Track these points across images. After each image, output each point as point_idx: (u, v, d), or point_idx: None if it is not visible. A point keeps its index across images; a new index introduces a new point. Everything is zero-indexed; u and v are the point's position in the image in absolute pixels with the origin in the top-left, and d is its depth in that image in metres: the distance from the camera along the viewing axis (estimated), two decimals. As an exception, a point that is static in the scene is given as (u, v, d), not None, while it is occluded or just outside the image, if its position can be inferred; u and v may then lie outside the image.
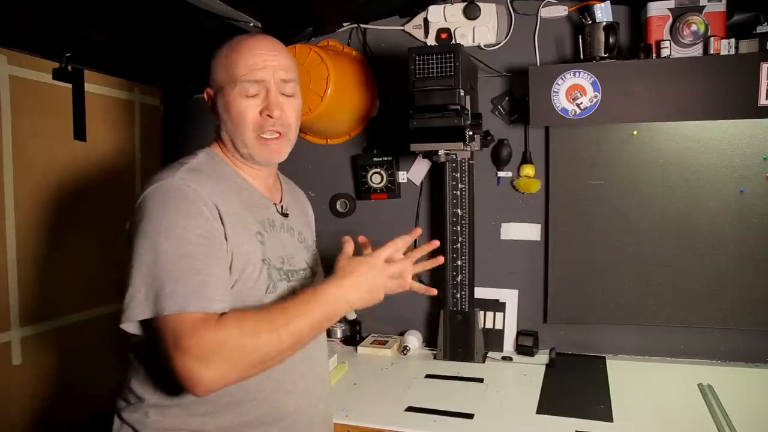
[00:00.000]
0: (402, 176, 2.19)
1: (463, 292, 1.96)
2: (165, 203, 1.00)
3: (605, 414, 1.50)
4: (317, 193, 2.25)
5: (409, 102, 1.75)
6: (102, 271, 1.97)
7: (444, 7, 2.00)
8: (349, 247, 1.15)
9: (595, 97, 1.71)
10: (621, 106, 1.70)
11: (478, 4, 1.97)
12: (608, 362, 1.90)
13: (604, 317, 1.96)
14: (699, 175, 1.85)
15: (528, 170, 2.01)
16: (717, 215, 1.84)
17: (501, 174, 2.07)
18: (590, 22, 1.78)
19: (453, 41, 2.00)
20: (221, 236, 1.02)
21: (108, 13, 1.60)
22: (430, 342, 2.14)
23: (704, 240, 1.86)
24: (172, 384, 0.96)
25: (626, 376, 1.78)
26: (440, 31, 2.02)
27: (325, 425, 1.27)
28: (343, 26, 2.17)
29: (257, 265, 1.07)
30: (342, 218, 2.26)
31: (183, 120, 2.36)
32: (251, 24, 1.81)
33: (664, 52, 1.68)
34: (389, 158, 2.15)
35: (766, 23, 1.64)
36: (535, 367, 1.88)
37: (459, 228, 1.95)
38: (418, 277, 2.14)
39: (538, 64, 1.97)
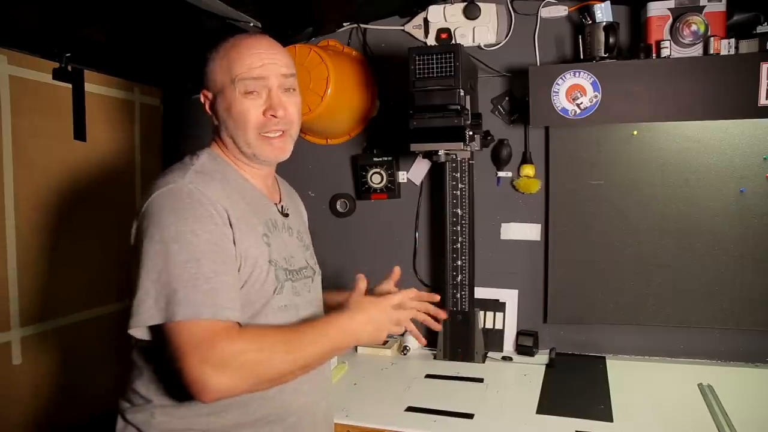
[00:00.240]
0: (402, 176, 2.19)
1: (463, 292, 1.96)
2: (175, 207, 1.00)
3: (605, 414, 1.50)
4: (317, 193, 2.25)
5: (409, 102, 1.75)
6: (102, 271, 1.97)
7: (444, 7, 2.00)
8: (362, 284, 1.18)
9: (595, 97, 1.71)
10: (621, 106, 1.70)
11: (478, 4, 1.97)
12: (608, 362, 1.90)
13: (604, 317, 1.96)
14: (699, 175, 1.85)
15: (528, 170, 2.01)
16: (717, 215, 1.84)
17: (501, 174, 2.07)
18: (590, 22, 1.78)
19: (453, 41, 2.00)
20: (230, 241, 1.02)
21: (108, 13, 1.59)
22: (430, 342, 2.13)
23: (704, 240, 1.86)
24: (179, 386, 0.96)
25: (626, 376, 1.78)
26: (440, 31, 2.02)
27: (327, 423, 1.28)
28: (343, 26, 2.17)
29: (264, 267, 1.08)
30: (342, 218, 2.26)
31: (183, 120, 2.36)
32: (251, 24, 1.81)
33: (664, 52, 1.68)
34: (389, 158, 2.15)
35: (766, 23, 1.64)
36: (535, 367, 1.88)
37: (459, 228, 1.95)
38: (415, 274, 2.17)
39: (538, 64, 1.97)
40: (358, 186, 2.22)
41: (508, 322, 2.06)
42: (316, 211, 2.32)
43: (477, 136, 1.85)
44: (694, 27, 1.66)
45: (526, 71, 1.79)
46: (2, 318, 1.67)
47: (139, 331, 0.99)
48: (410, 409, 1.57)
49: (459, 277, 1.96)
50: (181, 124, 2.36)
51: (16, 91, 1.67)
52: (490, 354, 2.00)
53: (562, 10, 1.93)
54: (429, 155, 1.90)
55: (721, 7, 1.67)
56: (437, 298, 1.32)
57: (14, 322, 1.71)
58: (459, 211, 1.95)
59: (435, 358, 2.00)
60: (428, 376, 1.83)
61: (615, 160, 1.92)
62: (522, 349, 2.00)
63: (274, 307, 1.10)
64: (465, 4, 1.98)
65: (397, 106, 2.05)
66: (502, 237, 2.10)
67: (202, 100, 1.18)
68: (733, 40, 1.64)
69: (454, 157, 1.93)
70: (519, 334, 2.03)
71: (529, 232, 2.07)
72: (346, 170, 2.25)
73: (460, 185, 1.94)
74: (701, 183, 1.85)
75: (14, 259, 1.70)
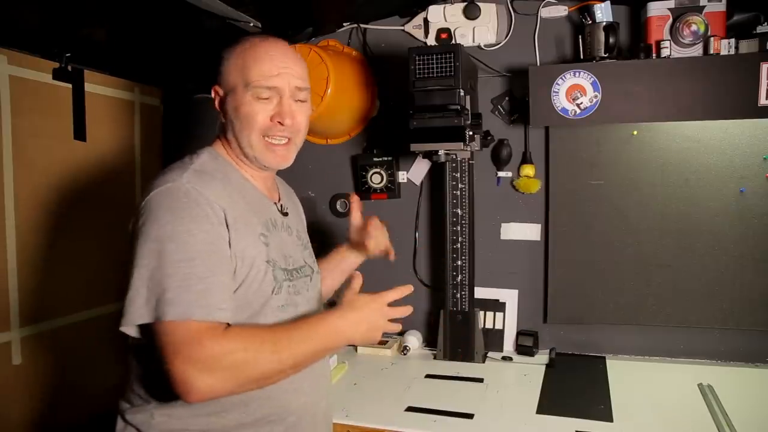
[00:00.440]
0: (402, 176, 2.19)
1: (463, 292, 1.96)
2: (171, 206, 1.00)
3: (605, 414, 1.50)
4: (317, 193, 2.25)
5: (409, 102, 1.75)
6: (102, 271, 1.97)
7: (444, 7, 2.00)
8: (356, 283, 1.15)
9: (595, 97, 1.71)
10: (621, 106, 1.70)
11: (478, 4, 1.97)
12: (608, 362, 1.90)
13: (604, 317, 1.96)
14: (699, 175, 1.85)
15: (528, 170, 2.01)
16: (717, 215, 1.84)
17: (501, 174, 2.07)
18: (590, 22, 1.78)
19: (453, 41, 2.00)
20: (225, 242, 1.02)
21: (108, 13, 1.60)
22: (430, 342, 2.14)
23: (704, 240, 1.86)
24: (168, 386, 0.96)
25: (626, 376, 1.78)
26: (440, 31, 2.02)
27: (326, 422, 1.28)
28: (343, 26, 2.17)
29: (262, 267, 1.07)
30: (342, 218, 2.26)
31: (183, 120, 2.36)
32: (251, 24, 1.81)
33: (664, 52, 1.68)
34: (389, 158, 2.15)
35: (766, 23, 1.64)
36: (535, 367, 1.88)
37: (459, 228, 1.95)
38: (415, 274, 2.17)
39: (538, 64, 1.97)
40: (358, 186, 2.22)
41: (508, 322, 2.06)
42: (316, 211, 2.32)
43: (477, 136, 1.85)
44: (694, 27, 1.66)
45: (526, 71, 1.79)
46: (2, 318, 1.67)
47: (131, 329, 0.99)
48: (410, 409, 1.57)
49: (459, 277, 1.96)
50: (181, 124, 2.36)
51: (16, 91, 1.67)
52: (490, 354, 2.00)
53: (562, 10, 1.93)
54: (429, 155, 1.90)
55: (721, 7, 1.67)
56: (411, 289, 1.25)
57: (14, 322, 1.71)
58: (459, 211, 1.95)
59: (435, 358, 2.00)
60: (428, 376, 1.83)
61: (615, 160, 1.92)
62: (522, 349, 2.00)
63: (273, 306, 1.10)
64: (465, 4, 1.98)
65: (397, 106, 2.05)
66: (502, 237, 2.10)
67: (212, 95, 1.17)
68: (733, 40, 1.64)
69: (454, 157, 1.93)
70: (519, 334, 2.03)
71: (529, 232, 2.07)
72: (346, 170, 2.25)
73: (460, 185, 1.94)
74: (701, 183, 1.85)
75: (14, 259, 1.70)
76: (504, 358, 1.97)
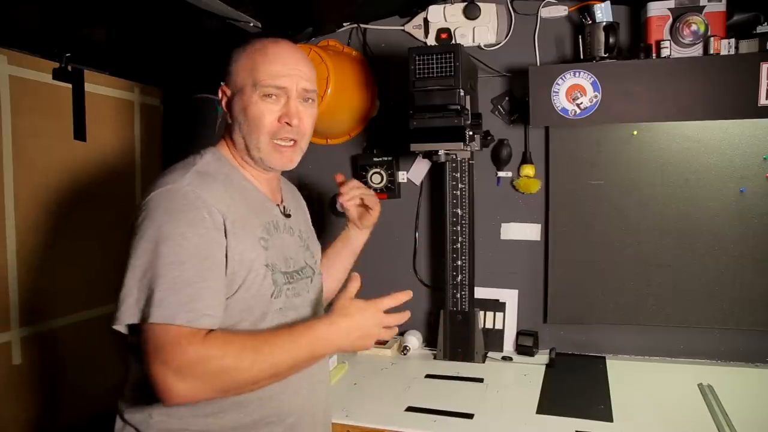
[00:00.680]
0: (402, 176, 2.19)
1: (463, 292, 1.96)
2: (169, 208, 1.00)
3: (605, 414, 1.50)
4: (317, 193, 2.25)
5: (409, 102, 1.75)
6: (102, 271, 1.97)
7: (444, 7, 2.00)
8: (353, 286, 1.11)
9: (595, 97, 1.71)
10: (621, 106, 1.70)
11: (478, 4, 1.97)
12: (608, 362, 1.90)
13: (604, 317, 1.96)
14: (699, 175, 1.85)
15: (528, 170, 2.01)
16: (717, 215, 1.84)
17: (501, 174, 2.07)
18: (590, 22, 1.78)
19: (453, 41, 2.00)
20: (221, 247, 1.02)
21: (108, 13, 1.59)
22: (430, 342, 2.14)
23: (704, 240, 1.86)
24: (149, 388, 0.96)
25: (626, 376, 1.78)
26: (440, 31, 2.02)
27: (326, 423, 1.28)
28: (343, 26, 2.17)
29: (260, 271, 1.07)
30: (342, 218, 2.26)
31: (183, 120, 2.35)
32: (251, 24, 1.81)
33: (664, 52, 1.68)
34: (389, 158, 2.15)
35: (766, 23, 1.64)
36: (535, 367, 1.88)
37: (459, 228, 1.95)
38: (415, 274, 2.17)
39: (538, 64, 1.97)
40: (358, 186, 2.21)
41: (508, 322, 2.06)
42: (316, 212, 2.31)
43: (477, 136, 1.85)
44: (694, 27, 1.66)
45: (526, 71, 1.79)
46: (2, 318, 1.67)
47: (123, 328, 0.99)
48: (410, 409, 1.57)
49: (459, 277, 1.96)
50: (181, 124, 2.36)
51: (16, 91, 1.67)
52: (490, 354, 2.00)
53: (562, 10, 1.93)
54: (429, 155, 1.90)
55: (721, 7, 1.67)
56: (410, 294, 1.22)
57: (14, 322, 1.71)
58: (459, 211, 1.95)
59: (435, 358, 2.00)
60: (428, 376, 1.83)
61: (615, 160, 1.92)
62: (522, 349, 2.00)
63: (274, 310, 1.10)
64: (465, 4, 1.98)
65: (397, 106, 2.05)
66: (502, 237, 2.10)
67: (219, 95, 1.18)
68: (733, 40, 1.64)
69: (454, 157, 1.93)
70: (519, 334, 2.03)
71: (529, 232, 2.07)
72: (346, 170, 2.25)
73: (460, 185, 1.94)
74: (701, 183, 1.85)
75: (14, 259, 1.70)
76: (504, 358, 1.97)
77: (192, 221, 0.99)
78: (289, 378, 1.08)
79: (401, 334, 2.15)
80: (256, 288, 1.06)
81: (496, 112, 2.06)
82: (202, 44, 1.86)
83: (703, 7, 1.67)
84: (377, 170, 2.17)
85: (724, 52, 1.64)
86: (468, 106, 1.78)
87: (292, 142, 1.14)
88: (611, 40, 1.72)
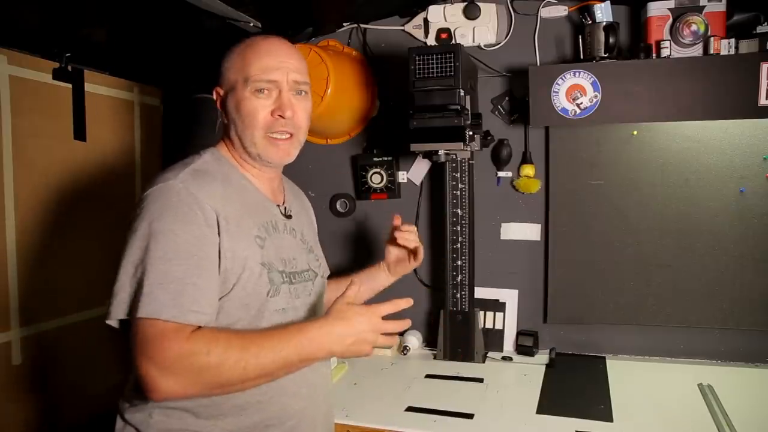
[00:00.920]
0: (402, 176, 2.19)
1: (463, 292, 1.96)
2: (162, 205, 1.00)
3: (605, 414, 1.50)
4: (317, 193, 2.25)
5: (409, 102, 1.75)
6: (102, 271, 1.96)
7: (444, 7, 2.00)
8: (351, 291, 1.09)
9: (595, 97, 1.71)
10: (621, 106, 1.70)
11: (478, 4, 1.97)
12: (608, 362, 1.90)
13: (604, 317, 1.96)
14: (699, 175, 1.85)
15: (528, 170, 2.01)
16: (717, 215, 1.84)
17: (501, 174, 2.07)
18: (590, 22, 1.78)
19: (453, 41, 2.00)
20: (213, 245, 1.02)
21: (108, 13, 1.59)
22: (430, 342, 2.14)
23: (704, 240, 1.86)
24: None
25: (626, 376, 1.78)
26: (440, 31, 2.02)
27: (327, 424, 1.27)
28: (343, 26, 2.17)
29: (256, 269, 1.07)
30: (342, 218, 2.26)
31: (183, 120, 2.35)
32: (251, 24, 1.81)
33: (664, 52, 1.68)
34: (389, 158, 2.15)
35: (766, 23, 1.64)
36: (535, 367, 1.88)
37: (459, 228, 1.95)
38: (415, 274, 2.17)
39: (538, 64, 1.97)
40: (358, 186, 2.22)
41: (508, 322, 2.06)
42: (316, 212, 2.31)
43: (477, 136, 1.85)
44: (694, 27, 1.66)
45: (526, 71, 1.79)
46: (2, 318, 1.67)
47: (115, 323, 0.99)
48: (410, 409, 1.57)
49: (459, 277, 1.96)
50: (181, 124, 2.36)
51: (16, 91, 1.67)
52: (490, 354, 2.00)
53: (562, 10, 1.93)
54: (429, 155, 1.90)
55: (721, 7, 1.66)
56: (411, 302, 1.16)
57: (14, 322, 1.71)
58: (459, 211, 1.95)
59: (435, 358, 2.00)
60: (428, 376, 1.83)
61: (615, 160, 1.92)
62: (522, 349, 2.00)
63: (271, 309, 1.09)
64: (465, 4, 1.98)
65: (397, 106, 2.05)
66: (502, 237, 2.10)
67: (214, 96, 1.18)
68: (733, 40, 1.64)
69: (454, 157, 1.93)
70: (519, 334, 2.03)
71: (529, 232, 2.07)
72: (346, 170, 2.25)
73: (460, 185, 1.94)
74: (701, 183, 1.85)
75: (14, 259, 1.70)
76: (504, 358, 1.97)
77: (183, 218, 1.00)
78: (288, 381, 1.08)
79: (401, 334, 2.15)
80: (251, 286, 1.06)
81: (496, 112, 2.06)
82: (202, 44, 1.85)
83: (703, 7, 1.67)
84: (377, 170, 2.17)
85: (724, 52, 1.64)
86: (468, 106, 1.78)
87: (288, 135, 1.14)
88: (611, 40, 1.72)
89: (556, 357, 1.91)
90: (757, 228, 1.81)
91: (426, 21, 2.05)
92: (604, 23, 1.74)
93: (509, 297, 2.08)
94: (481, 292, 2.05)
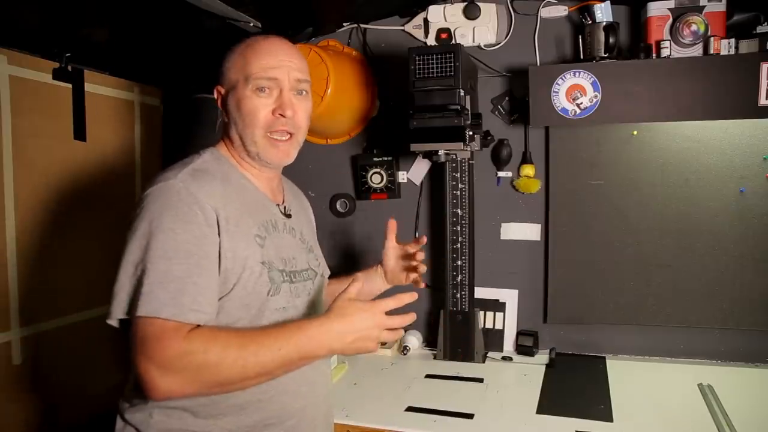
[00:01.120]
0: (402, 176, 2.19)
1: (463, 292, 1.96)
2: (161, 204, 1.00)
3: (605, 414, 1.50)
4: (317, 193, 2.25)
5: (409, 102, 1.75)
6: (102, 271, 1.95)
7: (444, 7, 2.00)
8: (354, 288, 1.06)
9: (595, 97, 1.71)
10: (621, 106, 1.70)
11: (478, 4, 1.97)
12: (608, 362, 1.90)
13: (604, 317, 1.96)
14: (699, 175, 1.85)
15: (528, 170, 2.01)
16: (717, 215, 1.84)
17: (501, 174, 2.07)
18: (590, 22, 1.78)
19: (453, 41, 2.00)
20: (212, 244, 1.02)
21: (108, 13, 1.60)
22: (430, 342, 2.14)
23: (704, 240, 1.86)
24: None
25: (626, 376, 1.78)
26: (440, 31, 2.02)
27: (327, 424, 1.28)
28: (343, 26, 2.17)
29: (256, 268, 1.07)
30: (342, 218, 2.26)
31: (183, 120, 2.36)
32: (251, 24, 1.81)
33: (664, 52, 1.68)
34: (389, 158, 2.15)
35: (766, 23, 1.64)
36: (535, 367, 1.88)
37: (459, 228, 1.95)
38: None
39: (538, 64, 1.97)
40: (358, 186, 2.22)
41: (508, 322, 2.06)
42: (316, 211, 2.31)
43: (477, 136, 1.85)
44: (694, 27, 1.66)
45: (526, 71, 1.79)
46: (2, 318, 1.67)
47: (116, 322, 0.99)
48: (410, 409, 1.57)
49: (459, 277, 1.96)
50: (181, 124, 2.36)
51: (16, 91, 1.67)
52: (490, 354, 2.00)
53: (562, 10, 1.93)
54: (429, 155, 1.90)
55: (721, 7, 1.67)
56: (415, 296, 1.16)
57: (14, 322, 1.71)
58: (459, 211, 1.95)
59: (435, 358, 2.00)
60: (428, 376, 1.83)
61: (615, 160, 1.92)
62: (522, 349, 2.00)
63: (272, 309, 1.09)
64: (465, 4, 1.98)
65: (397, 106, 2.05)
66: (502, 237, 2.10)
67: (215, 95, 1.18)
68: (733, 40, 1.64)
69: (454, 157, 1.93)
70: (519, 334, 2.03)
71: (529, 232, 2.07)
72: (346, 170, 2.25)
73: (460, 185, 1.94)
74: (701, 183, 1.85)
75: (14, 259, 1.70)
76: (504, 358, 1.97)
77: (183, 217, 1.00)
78: (288, 380, 1.08)
79: (406, 329, 2.15)
80: (251, 285, 1.06)
81: (496, 112, 2.06)
82: (202, 44, 1.85)
83: (703, 7, 1.67)
84: (377, 170, 2.17)
85: (724, 52, 1.64)
86: (468, 106, 1.78)
87: (287, 136, 1.14)
88: (611, 40, 1.72)
89: (556, 357, 1.91)
90: (757, 228, 1.81)
91: (426, 21, 2.05)
92: (604, 23, 1.74)
93: (509, 297, 2.08)
94: (481, 292, 2.05)
